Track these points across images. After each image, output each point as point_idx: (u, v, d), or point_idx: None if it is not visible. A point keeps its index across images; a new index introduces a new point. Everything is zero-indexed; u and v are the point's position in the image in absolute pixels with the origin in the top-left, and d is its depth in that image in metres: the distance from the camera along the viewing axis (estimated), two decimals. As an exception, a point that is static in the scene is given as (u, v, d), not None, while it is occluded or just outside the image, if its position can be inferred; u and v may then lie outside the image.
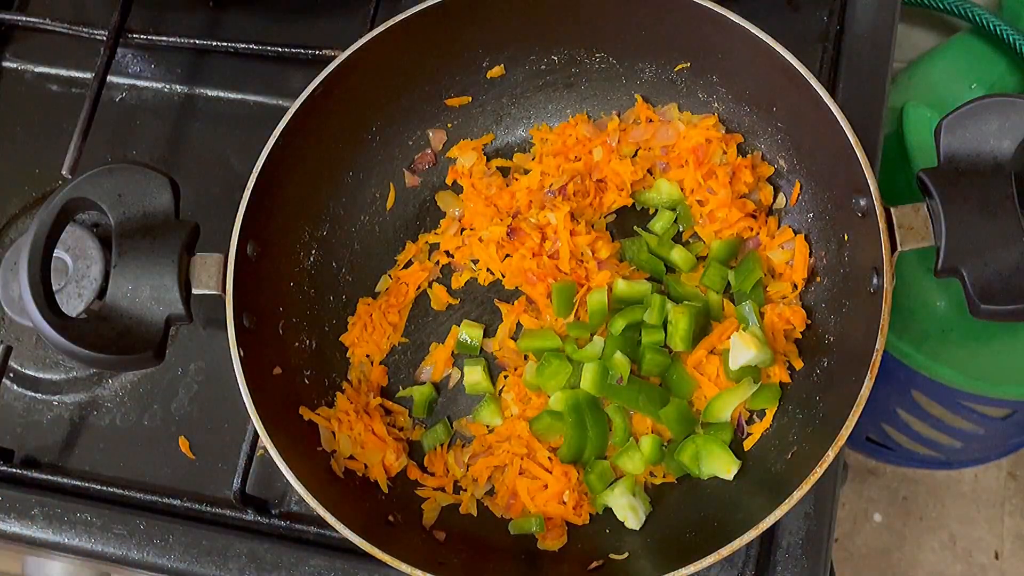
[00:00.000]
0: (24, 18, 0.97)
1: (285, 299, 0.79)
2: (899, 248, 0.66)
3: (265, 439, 0.68)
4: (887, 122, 0.94)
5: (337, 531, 0.67)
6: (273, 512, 0.80)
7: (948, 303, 1.20)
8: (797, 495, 0.63)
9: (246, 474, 0.78)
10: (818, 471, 0.63)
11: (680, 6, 0.75)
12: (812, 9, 0.89)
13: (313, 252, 0.81)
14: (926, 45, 1.26)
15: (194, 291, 0.70)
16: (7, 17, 0.97)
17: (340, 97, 0.78)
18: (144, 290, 0.69)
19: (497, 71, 0.84)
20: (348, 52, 0.76)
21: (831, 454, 0.64)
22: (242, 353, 0.70)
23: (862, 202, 0.68)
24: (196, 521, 0.80)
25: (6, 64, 0.99)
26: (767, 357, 0.74)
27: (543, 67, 0.84)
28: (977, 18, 1.17)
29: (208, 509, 0.80)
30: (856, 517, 1.65)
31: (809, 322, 0.77)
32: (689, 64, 0.81)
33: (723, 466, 0.73)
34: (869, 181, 0.67)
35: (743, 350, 0.73)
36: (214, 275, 0.71)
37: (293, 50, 0.91)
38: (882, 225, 0.66)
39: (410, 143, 0.85)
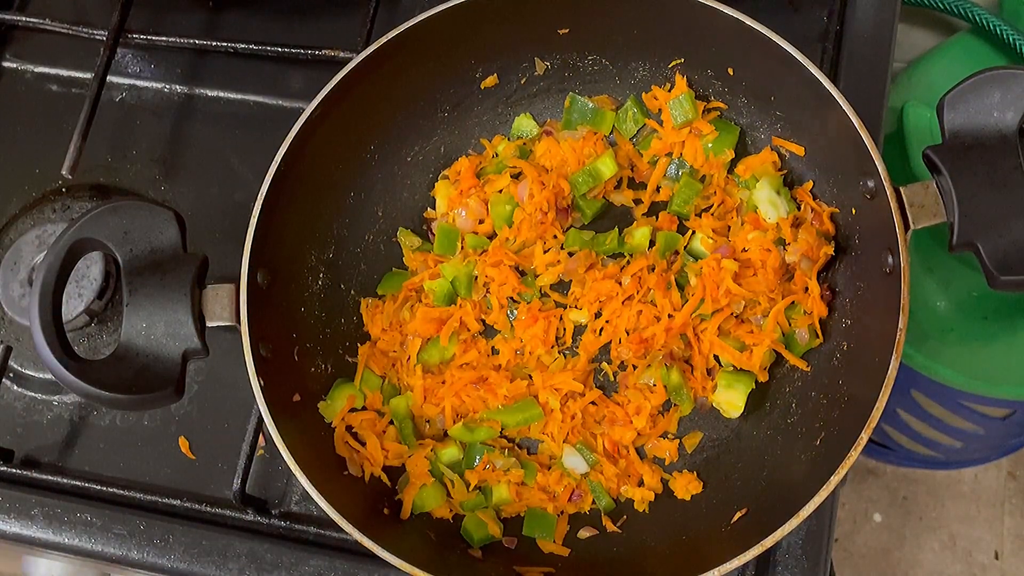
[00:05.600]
0: (24, 18, 0.97)
1: (298, 325, 0.78)
2: (912, 226, 0.66)
3: (294, 468, 0.67)
4: (887, 122, 0.94)
5: (349, 534, 0.66)
6: (273, 512, 0.80)
7: (948, 303, 1.20)
8: (834, 480, 0.63)
9: (246, 474, 0.78)
10: (853, 454, 0.63)
11: (670, 3, 0.75)
12: (812, 9, 0.89)
13: (321, 275, 0.80)
14: (926, 45, 1.26)
15: (208, 324, 0.69)
16: (7, 17, 0.97)
17: (337, 119, 0.77)
18: (158, 327, 0.68)
19: (491, 81, 0.84)
20: (342, 74, 0.75)
21: (864, 436, 0.64)
22: (262, 383, 0.69)
23: (870, 183, 0.68)
24: (196, 521, 0.80)
25: (6, 64, 0.99)
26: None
27: (536, 73, 0.84)
28: (977, 18, 1.17)
29: (208, 509, 0.80)
30: (856, 517, 1.65)
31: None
32: (683, 60, 0.81)
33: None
34: (876, 161, 0.67)
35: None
36: (227, 306, 0.70)
37: (293, 50, 0.91)
38: (893, 205, 0.66)
39: (408, 159, 0.84)
